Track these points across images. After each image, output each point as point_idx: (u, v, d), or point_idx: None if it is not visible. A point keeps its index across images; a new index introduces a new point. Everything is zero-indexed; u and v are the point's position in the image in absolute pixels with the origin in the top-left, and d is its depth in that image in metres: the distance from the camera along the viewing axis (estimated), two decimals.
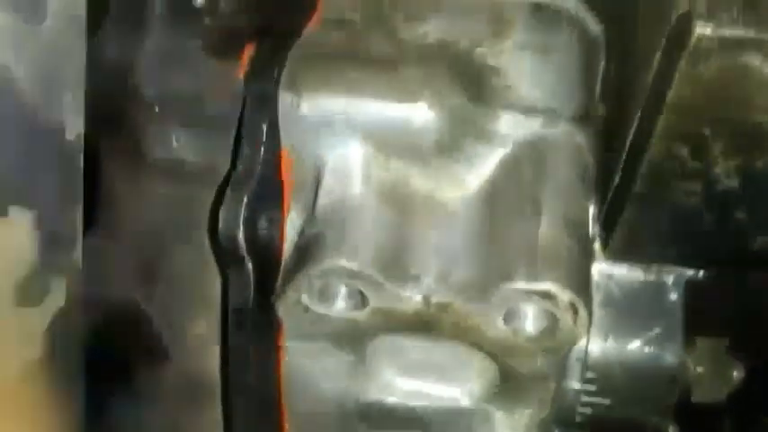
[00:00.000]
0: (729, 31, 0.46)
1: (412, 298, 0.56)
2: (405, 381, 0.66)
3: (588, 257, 0.59)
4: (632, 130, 0.58)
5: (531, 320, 0.55)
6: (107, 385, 0.70)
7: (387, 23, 0.65)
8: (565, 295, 0.53)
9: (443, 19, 0.65)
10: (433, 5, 0.66)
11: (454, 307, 0.55)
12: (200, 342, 0.65)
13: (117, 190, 0.65)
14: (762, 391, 0.80)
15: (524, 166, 0.60)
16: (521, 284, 0.53)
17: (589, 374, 0.70)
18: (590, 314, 0.55)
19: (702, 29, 0.46)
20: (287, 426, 0.68)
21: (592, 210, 0.71)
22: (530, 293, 0.53)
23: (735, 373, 0.74)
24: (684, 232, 0.64)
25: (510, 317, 0.55)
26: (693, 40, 0.46)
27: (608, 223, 0.69)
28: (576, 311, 0.54)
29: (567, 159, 0.62)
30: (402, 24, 0.65)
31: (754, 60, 0.47)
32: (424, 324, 0.58)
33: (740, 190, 0.57)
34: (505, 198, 0.59)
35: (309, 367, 0.64)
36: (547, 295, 0.53)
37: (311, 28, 0.62)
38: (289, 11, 0.62)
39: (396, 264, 0.57)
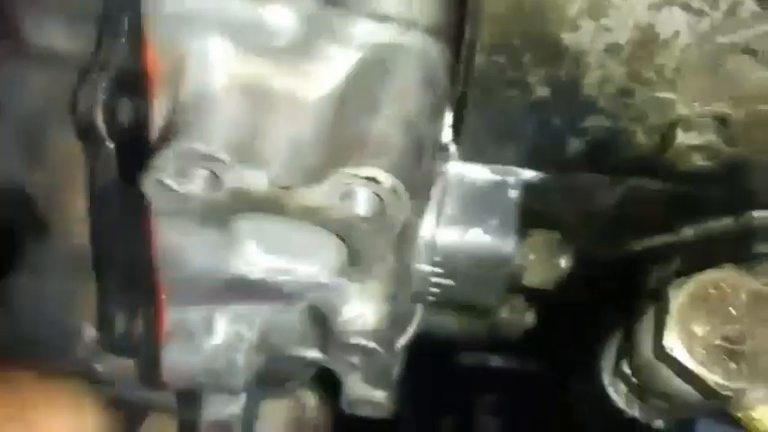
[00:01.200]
0: None
1: (260, 180, 0.63)
2: (268, 258, 0.74)
3: (420, 153, 0.67)
4: (465, 43, 0.65)
5: (362, 202, 0.64)
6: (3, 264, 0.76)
7: None
8: (387, 180, 0.61)
9: None
10: None
11: (297, 189, 0.64)
12: (81, 217, 0.72)
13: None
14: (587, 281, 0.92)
15: (372, 69, 0.67)
16: (350, 169, 0.61)
17: (436, 258, 0.80)
18: (418, 199, 0.64)
19: None
20: (164, 293, 0.76)
21: (448, 116, 0.80)
22: (358, 177, 0.61)
23: (562, 262, 0.85)
24: (514, 136, 0.73)
25: (345, 198, 0.64)
26: None
27: (457, 128, 0.77)
28: (398, 195, 0.62)
29: (413, 65, 0.69)
30: None
31: None
32: (276, 205, 0.66)
33: (552, 98, 0.66)
34: (352, 97, 0.67)
35: (181, 241, 0.72)
36: (372, 179, 0.61)
37: None
38: None
39: (247, 150, 0.64)
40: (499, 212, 0.80)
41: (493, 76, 0.65)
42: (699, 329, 0.64)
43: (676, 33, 0.56)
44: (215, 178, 0.64)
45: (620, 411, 0.78)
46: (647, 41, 0.57)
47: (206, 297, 0.77)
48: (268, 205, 0.66)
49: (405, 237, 0.74)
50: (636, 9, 0.55)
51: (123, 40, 0.60)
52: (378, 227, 0.65)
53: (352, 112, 0.66)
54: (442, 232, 0.80)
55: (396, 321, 0.81)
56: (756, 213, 0.81)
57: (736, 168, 0.72)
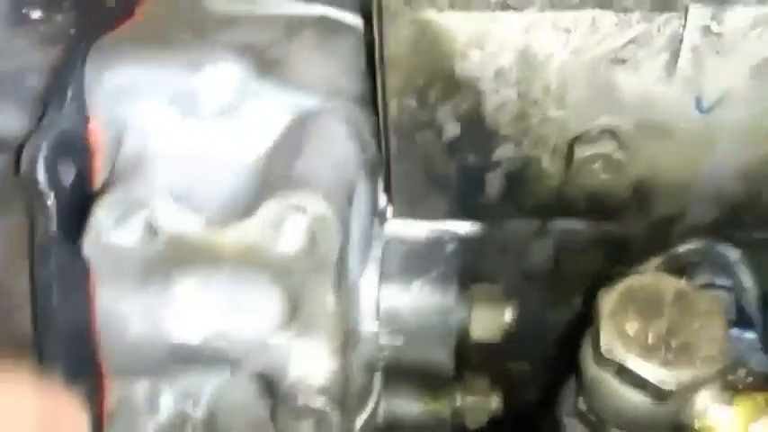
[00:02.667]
0: None
1: (196, 221, 0.67)
2: (207, 320, 0.75)
3: (349, 195, 0.72)
4: (379, 95, 0.73)
5: (293, 234, 0.67)
6: None
7: (198, 28, 0.80)
8: (314, 206, 0.65)
9: (247, 27, 0.81)
10: (241, 18, 0.82)
11: (231, 225, 0.67)
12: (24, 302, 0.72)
13: None
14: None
15: (299, 125, 0.74)
16: (278, 199, 0.66)
17: (382, 317, 0.82)
18: (345, 230, 0.67)
19: None
20: (105, 366, 0.75)
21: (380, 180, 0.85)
22: (287, 206, 0.65)
23: (506, 313, 0.87)
24: (439, 184, 0.79)
25: (277, 231, 0.67)
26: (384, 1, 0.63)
27: (388, 186, 0.83)
28: (327, 223, 0.66)
29: (340, 121, 0.76)
30: (211, 29, 0.80)
31: (431, 14, 0.63)
32: (212, 250, 0.68)
33: (462, 134, 0.72)
34: (281, 147, 0.73)
35: (121, 306, 0.73)
36: (300, 207, 0.65)
37: (125, 26, 0.77)
38: (106, 14, 0.76)
39: (183, 198, 0.68)
40: (439, 265, 0.83)
41: (407, 120, 0.71)
42: (631, 328, 0.65)
43: (552, 52, 0.64)
44: (152, 228, 0.68)
45: None
46: (528, 62, 0.65)
47: (150, 368, 0.76)
48: (205, 251, 0.69)
49: (344, 286, 0.76)
50: (512, 33, 0.63)
51: (66, 110, 0.67)
52: (312, 261, 0.68)
53: (281, 159, 0.71)
54: (385, 289, 0.82)
55: (353, 392, 0.80)
56: (681, 248, 0.85)
57: (644, 192, 0.77)
